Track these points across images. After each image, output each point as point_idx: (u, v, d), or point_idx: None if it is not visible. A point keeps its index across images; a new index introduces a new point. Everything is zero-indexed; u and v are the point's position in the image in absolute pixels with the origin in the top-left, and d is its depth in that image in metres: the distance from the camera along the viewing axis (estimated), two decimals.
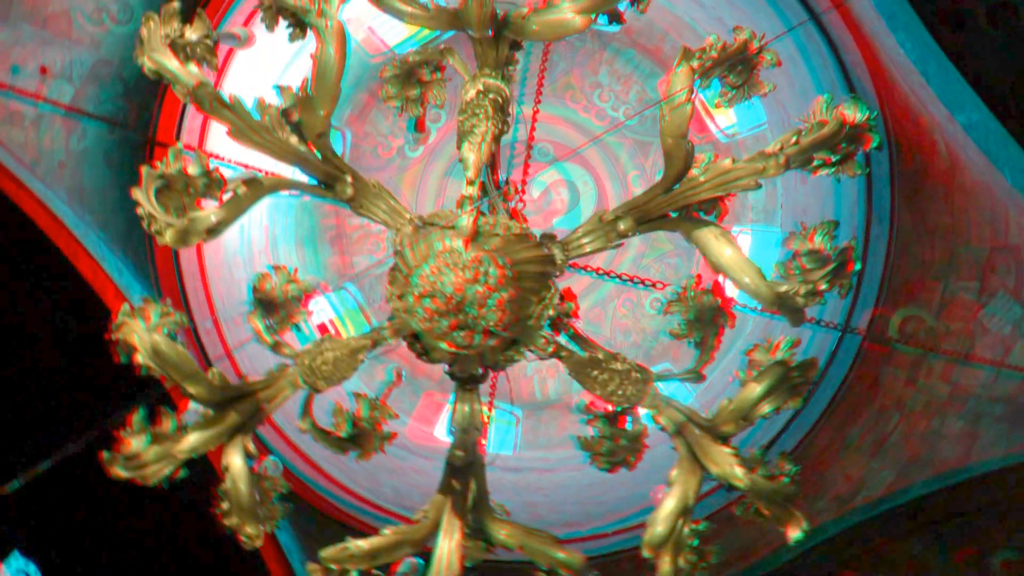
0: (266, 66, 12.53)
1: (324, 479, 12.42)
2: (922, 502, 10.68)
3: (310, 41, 5.59)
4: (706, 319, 5.78)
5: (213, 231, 5.42)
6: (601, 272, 7.85)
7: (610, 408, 5.94)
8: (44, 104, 9.70)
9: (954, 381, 10.29)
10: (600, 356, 5.70)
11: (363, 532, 10.41)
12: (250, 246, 14.11)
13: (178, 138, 11.38)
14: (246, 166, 9.10)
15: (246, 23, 11.23)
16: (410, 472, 13.21)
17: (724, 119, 15.10)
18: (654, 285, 7.74)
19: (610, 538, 12.22)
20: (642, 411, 5.84)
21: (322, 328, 14.77)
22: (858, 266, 5.25)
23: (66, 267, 10.37)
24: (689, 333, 5.87)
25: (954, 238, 10.09)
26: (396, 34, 14.91)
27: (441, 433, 15.65)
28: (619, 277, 7.88)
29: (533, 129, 8.38)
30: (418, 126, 6.36)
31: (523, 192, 6.85)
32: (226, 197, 5.47)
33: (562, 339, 5.90)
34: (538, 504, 13.15)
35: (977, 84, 9.04)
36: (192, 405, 5.87)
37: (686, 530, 5.46)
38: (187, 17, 5.49)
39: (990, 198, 9.49)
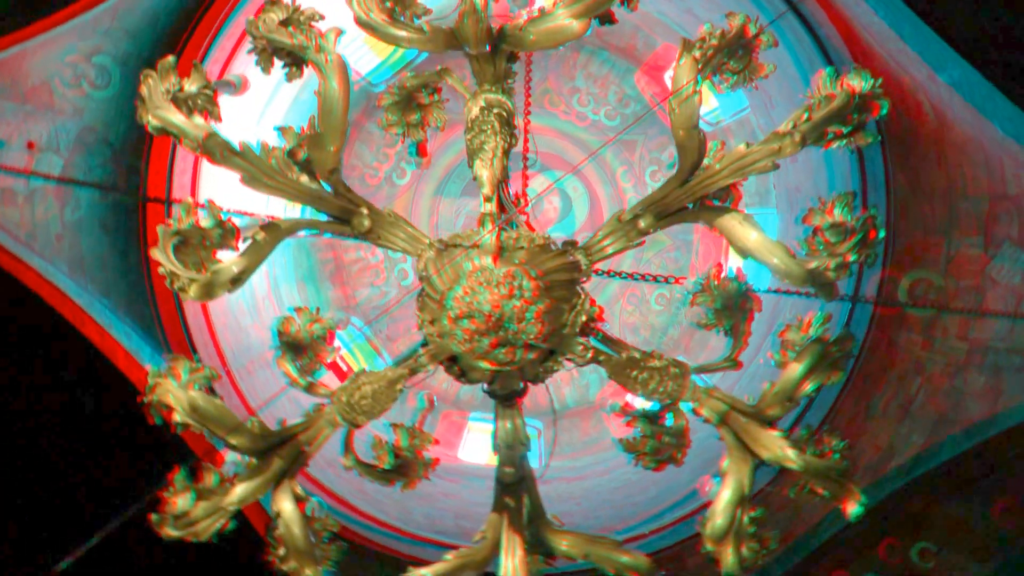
0: (242, 106, 12.55)
1: (354, 513, 12.38)
2: (954, 462, 10.65)
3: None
4: (734, 305, 5.79)
5: (237, 280, 5.41)
6: (613, 273, 7.81)
7: (645, 405, 5.95)
8: (35, 177, 9.67)
9: (971, 337, 10.29)
10: (636, 356, 5.69)
11: (403, 560, 10.38)
12: (252, 292, 14.08)
13: (168, 194, 11.37)
14: (248, 213, 9.08)
15: (222, 72, 11.24)
16: (439, 496, 13.17)
17: (705, 106, 15.11)
18: (666, 280, 7.71)
19: (648, 538, 12.19)
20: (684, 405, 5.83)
21: (333, 366, 14.71)
22: (882, 233, 5.27)
23: (74, 337, 10.33)
24: (718, 322, 5.87)
25: (952, 194, 10.12)
26: (367, 62, 14.92)
27: (465, 454, 15.61)
28: (630, 276, 7.84)
29: (526, 140, 8.36)
30: (420, 151, 6.33)
31: (526, 202, 6.83)
32: (245, 245, 5.46)
33: (593, 343, 5.89)
34: (573, 513, 13.10)
35: (954, 40, 9.08)
36: (230, 456, 5.86)
37: (745, 519, 5.46)
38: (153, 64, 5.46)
39: (983, 151, 9.52)
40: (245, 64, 11.44)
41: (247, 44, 11.02)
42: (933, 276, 10.46)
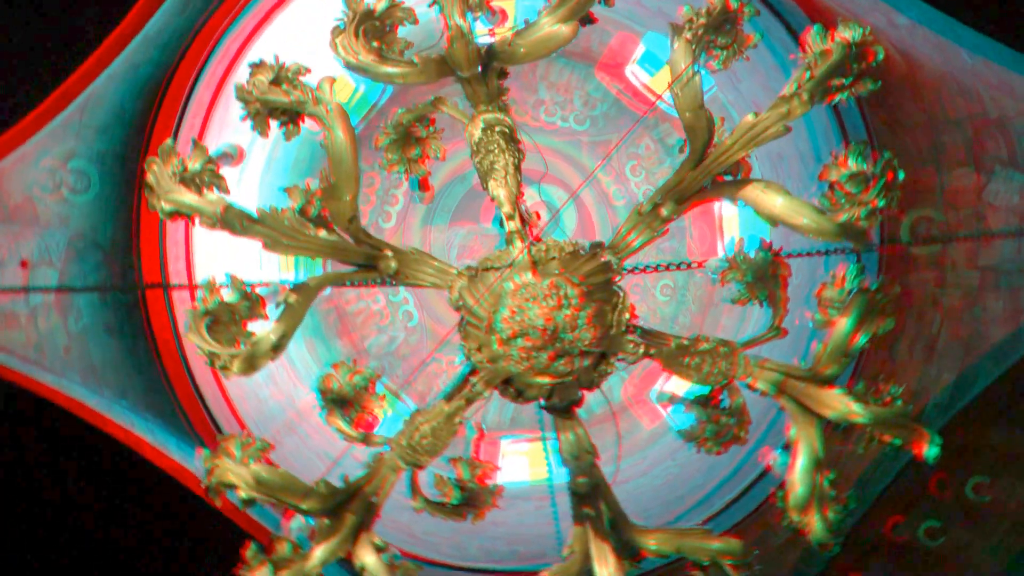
0: None
1: (409, 558, 12.25)
2: (988, 391, 10.67)
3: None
4: (766, 275, 5.80)
5: (278, 347, 5.41)
6: (638, 266, 7.80)
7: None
8: (35, 295, 9.60)
9: (981, 265, 10.33)
10: (685, 342, 5.70)
11: None
12: None
13: (165, 280, 11.31)
14: (265, 283, 9.05)
15: (201, 134, 11.20)
16: (488, 525, 13.04)
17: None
18: (677, 267, 7.69)
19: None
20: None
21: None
22: (902, 174, 5.29)
23: (101, 444, 10.25)
24: (751, 294, 5.88)
25: (935, 127, 10.20)
26: None
27: (504, 478, 15.48)
28: (651, 270, 7.82)
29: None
30: (422, 185, 6.34)
31: (538, 216, 6.80)
32: (279, 311, 5.44)
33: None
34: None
35: None
36: (294, 523, 5.82)
37: (824, 483, 5.45)
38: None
39: (957, 82, 9.60)
40: (217, 137, 11.45)
41: (217, 115, 11.09)
42: (933, 212, 10.52)
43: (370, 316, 16.79)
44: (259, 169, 13.40)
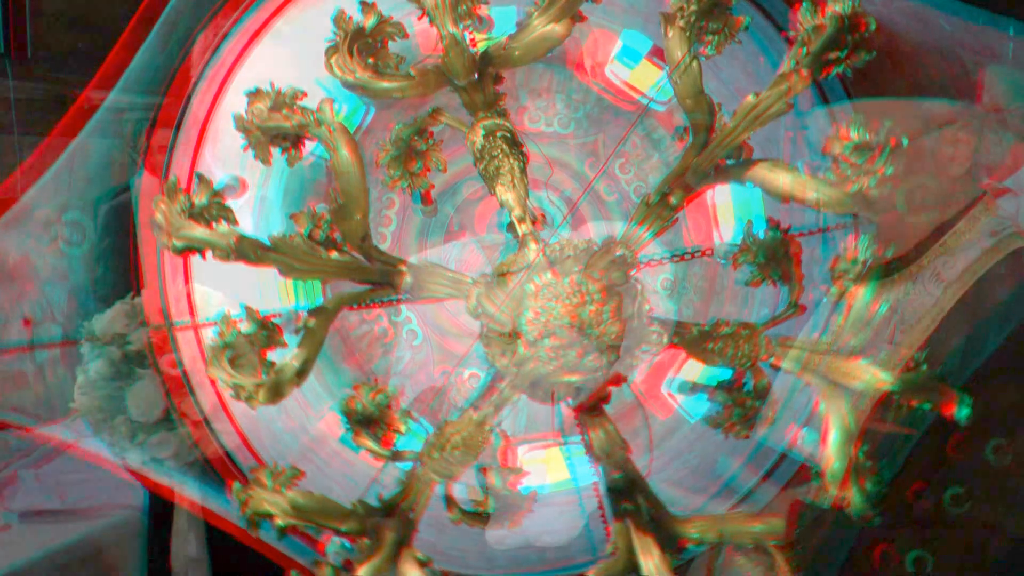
0: None
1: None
2: (1000, 352, 10.67)
3: None
4: (778, 254, 5.81)
5: (303, 373, 5.39)
6: (649, 258, 7.78)
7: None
8: (40, 352, 9.56)
9: (978, 226, 10.36)
10: (705, 328, 5.70)
11: None
12: None
13: (167, 318, 11.26)
14: (275, 314, 9.02)
15: (191, 170, 11.15)
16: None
17: (648, 84, 15.05)
18: (691, 255, 7.71)
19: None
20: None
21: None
22: (906, 141, 5.31)
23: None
24: (765, 275, 5.89)
25: (919, 93, 10.24)
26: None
27: (531, 480, 15.38)
28: (659, 262, 7.80)
29: None
30: (425, 199, 6.34)
31: (542, 216, 6.80)
32: (299, 336, 5.42)
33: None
34: None
35: None
36: (330, 547, 5.82)
37: (859, 454, 5.46)
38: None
39: (937, 49, 9.62)
40: (209, 173, 11.38)
41: (207, 151, 11.07)
42: (927, 180, 10.54)
43: (374, 338, 16.76)
44: (250, 202, 13.36)
